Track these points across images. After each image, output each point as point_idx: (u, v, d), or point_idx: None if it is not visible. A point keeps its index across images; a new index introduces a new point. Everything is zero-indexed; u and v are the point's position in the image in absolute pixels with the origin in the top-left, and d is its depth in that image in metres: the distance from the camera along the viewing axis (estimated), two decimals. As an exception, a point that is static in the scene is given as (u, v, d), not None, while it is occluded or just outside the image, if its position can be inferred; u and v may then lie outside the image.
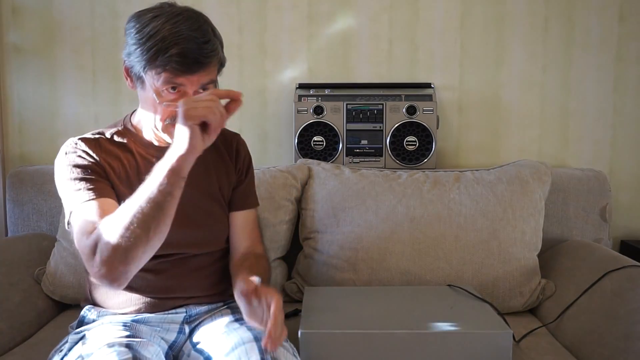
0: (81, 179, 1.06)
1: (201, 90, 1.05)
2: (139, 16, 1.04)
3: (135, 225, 0.93)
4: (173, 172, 0.94)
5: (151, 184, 0.94)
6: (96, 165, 1.09)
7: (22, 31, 1.91)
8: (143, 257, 0.97)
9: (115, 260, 0.95)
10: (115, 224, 0.95)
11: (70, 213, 1.05)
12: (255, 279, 1.02)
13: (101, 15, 1.90)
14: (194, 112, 0.92)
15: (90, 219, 1.00)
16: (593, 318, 1.31)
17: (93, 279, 1.08)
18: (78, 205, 1.03)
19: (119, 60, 1.89)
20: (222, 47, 1.09)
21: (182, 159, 0.94)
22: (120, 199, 1.08)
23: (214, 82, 1.08)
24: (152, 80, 1.03)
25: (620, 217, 1.93)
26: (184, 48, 0.99)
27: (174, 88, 1.03)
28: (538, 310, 1.55)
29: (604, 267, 1.40)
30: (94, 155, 1.10)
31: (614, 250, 1.60)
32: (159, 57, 0.99)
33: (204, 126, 0.95)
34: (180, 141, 0.93)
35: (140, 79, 1.05)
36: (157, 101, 1.04)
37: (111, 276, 0.96)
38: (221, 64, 1.09)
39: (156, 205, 0.94)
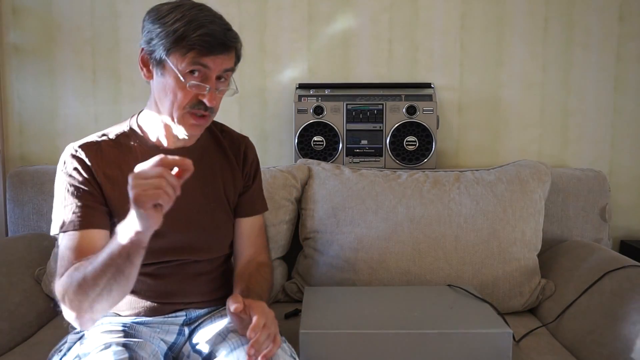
0: (71, 203, 1.06)
1: (222, 80, 1.08)
2: (159, 8, 1.06)
3: (98, 284, 0.92)
4: (132, 244, 0.90)
5: (113, 248, 0.91)
6: (89, 183, 1.07)
7: (22, 31, 1.91)
8: (109, 307, 0.98)
9: (81, 310, 0.96)
10: (81, 279, 0.94)
11: (58, 235, 1.06)
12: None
13: (101, 15, 1.90)
14: (144, 198, 0.85)
15: (66, 258, 1.01)
16: (593, 318, 1.31)
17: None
18: (63, 233, 1.04)
19: (119, 60, 1.92)
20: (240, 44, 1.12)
21: (139, 235, 0.89)
22: (115, 206, 1.08)
23: (233, 71, 1.10)
24: (176, 62, 1.03)
25: (620, 217, 1.93)
26: (211, 29, 1.02)
27: (193, 72, 1.04)
28: (538, 310, 1.55)
29: (603, 267, 1.40)
30: (91, 165, 1.08)
31: (613, 251, 1.60)
32: (186, 37, 1.01)
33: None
34: (135, 220, 0.88)
35: (161, 63, 1.05)
36: (183, 80, 1.03)
37: (79, 321, 0.98)
38: (238, 57, 1.11)
39: (117, 270, 0.92)
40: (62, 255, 1.03)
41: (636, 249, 1.81)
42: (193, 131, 1.09)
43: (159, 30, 1.03)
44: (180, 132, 1.09)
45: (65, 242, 1.04)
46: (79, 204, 1.06)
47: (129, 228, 0.89)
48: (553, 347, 1.34)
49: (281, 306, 1.55)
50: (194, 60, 1.02)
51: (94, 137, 1.14)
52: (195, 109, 1.06)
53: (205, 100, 1.05)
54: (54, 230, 1.07)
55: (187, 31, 1.01)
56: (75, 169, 1.08)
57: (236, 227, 1.25)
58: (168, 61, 1.03)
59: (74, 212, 1.05)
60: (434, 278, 1.51)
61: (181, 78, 1.03)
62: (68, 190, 1.07)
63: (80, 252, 1.01)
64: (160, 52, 1.03)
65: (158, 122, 1.12)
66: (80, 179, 1.07)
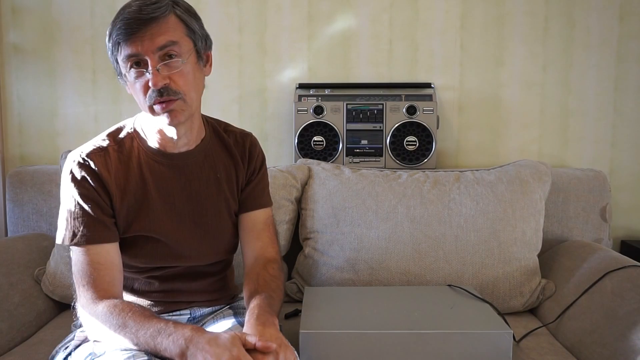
0: (82, 215, 1.04)
1: (172, 56, 1.00)
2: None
3: (126, 339, 0.97)
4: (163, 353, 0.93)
5: (153, 342, 0.93)
6: (99, 194, 1.06)
7: (22, 31, 1.91)
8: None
9: (100, 337, 1.02)
10: (115, 328, 0.97)
11: (67, 246, 1.06)
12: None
13: (101, 15, 1.90)
14: None
15: (87, 273, 1.03)
16: (593, 318, 1.31)
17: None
18: (75, 246, 1.05)
19: (118, 60, 1.91)
20: (191, 15, 1.04)
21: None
22: (121, 216, 1.08)
23: (176, 44, 1.00)
24: (120, 64, 1.02)
25: (620, 217, 1.92)
26: (129, 12, 0.99)
27: (136, 64, 1.00)
28: (538, 310, 1.55)
29: (604, 267, 1.40)
30: (100, 174, 1.06)
31: (614, 251, 1.60)
32: (112, 34, 1.00)
33: None
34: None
35: (120, 73, 1.04)
36: (126, 77, 1.02)
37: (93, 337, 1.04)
38: (189, 28, 1.03)
39: (138, 347, 0.96)
40: (82, 269, 1.04)
41: (637, 249, 1.81)
42: (171, 119, 1.03)
43: (107, 39, 1.03)
44: (163, 123, 1.05)
45: (80, 256, 1.04)
46: (91, 215, 1.04)
47: (176, 349, 0.90)
48: (553, 347, 1.34)
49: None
50: (125, 52, 0.99)
51: (98, 142, 1.10)
52: (155, 99, 1.00)
53: (150, 84, 0.99)
54: (62, 239, 1.05)
55: (113, 28, 1.00)
56: (84, 178, 1.05)
57: (240, 222, 1.22)
58: (119, 65, 1.03)
59: (85, 226, 1.04)
60: (434, 278, 1.51)
61: (126, 76, 1.02)
62: (78, 201, 1.04)
63: (100, 265, 1.03)
64: (113, 61, 1.04)
65: (153, 127, 1.10)
66: (90, 189, 1.05)
